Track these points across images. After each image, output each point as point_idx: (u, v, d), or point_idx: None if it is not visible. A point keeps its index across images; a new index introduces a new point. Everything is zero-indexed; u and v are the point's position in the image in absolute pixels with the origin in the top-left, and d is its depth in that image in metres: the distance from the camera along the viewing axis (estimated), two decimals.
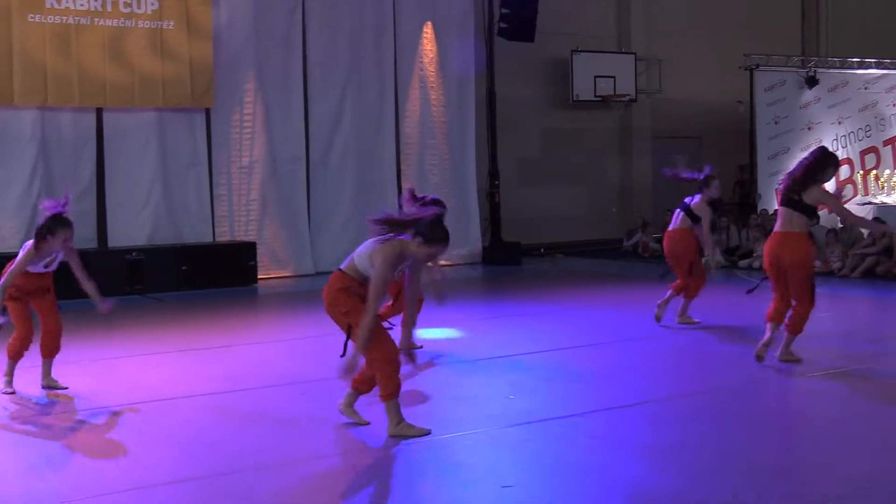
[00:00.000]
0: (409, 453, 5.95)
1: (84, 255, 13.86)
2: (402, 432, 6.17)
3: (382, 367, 6.13)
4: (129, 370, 8.79)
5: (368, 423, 6.42)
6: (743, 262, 16.18)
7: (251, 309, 13.50)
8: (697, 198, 10.19)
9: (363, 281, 6.12)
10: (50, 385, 7.90)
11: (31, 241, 7.54)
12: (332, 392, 7.42)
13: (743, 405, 6.98)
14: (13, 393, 7.74)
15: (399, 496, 5.27)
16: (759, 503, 4.88)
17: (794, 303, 8.11)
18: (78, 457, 6.12)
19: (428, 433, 6.21)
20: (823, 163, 8.08)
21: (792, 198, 8.01)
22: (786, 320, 8.13)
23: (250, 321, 11.99)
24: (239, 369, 8.67)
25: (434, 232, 6.06)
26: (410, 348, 8.02)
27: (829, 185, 9.43)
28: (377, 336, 6.06)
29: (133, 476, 5.60)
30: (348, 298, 6.17)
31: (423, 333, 9.78)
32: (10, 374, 7.84)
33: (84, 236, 14.73)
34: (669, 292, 10.37)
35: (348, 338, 6.21)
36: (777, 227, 8.13)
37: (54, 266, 7.85)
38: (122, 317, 12.25)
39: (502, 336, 10.09)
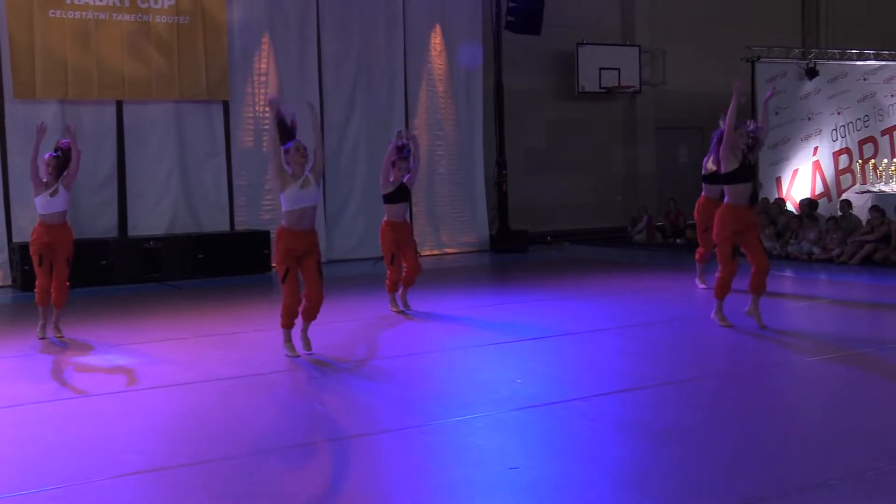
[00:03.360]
0: (419, 435, 6.11)
1: (104, 244, 14.55)
2: (286, 350, 8.52)
3: (282, 307, 8.41)
4: (146, 355, 8.96)
5: None
6: None
7: (264, 296, 13.62)
8: None
9: (287, 223, 8.36)
10: (57, 335, 9.83)
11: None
12: (341, 377, 7.74)
13: (743, 390, 7.11)
14: (44, 338, 9.79)
15: (410, 477, 5.37)
16: (756, 486, 4.99)
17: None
18: (93, 439, 6.21)
19: (297, 356, 8.43)
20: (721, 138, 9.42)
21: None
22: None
23: (263, 308, 11.95)
24: (251, 354, 8.82)
25: (285, 147, 8.34)
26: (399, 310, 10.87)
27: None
28: (288, 284, 8.28)
29: (148, 458, 5.74)
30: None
31: (430, 320, 10.27)
32: (55, 322, 9.89)
33: (105, 226, 15.17)
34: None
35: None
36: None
37: (61, 198, 9.76)
38: (139, 303, 12.57)
39: (509, 322, 10.25)
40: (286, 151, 8.34)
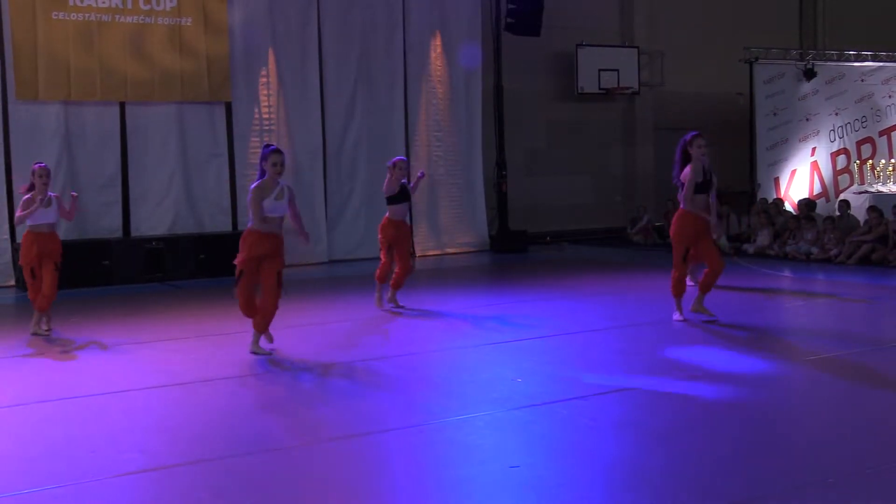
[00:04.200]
0: (420, 434, 6.17)
1: (108, 244, 14.70)
2: (255, 350, 8.77)
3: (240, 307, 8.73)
4: (148, 355, 9.05)
5: None
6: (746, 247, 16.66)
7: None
8: None
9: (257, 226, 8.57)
10: (36, 332, 10.03)
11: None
12: (342, 377, 7.82)
13: (739, 390, 7.16)
14: (49, 331, 10.10)
15: (411, 476, 5.41)
16: (754, 485, 5.04)
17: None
18: (96, 438, 6.26)
19: (270, 354, 8.69)
20: (683, 149, 9.73)
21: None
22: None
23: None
24: (251, 354, 8.82)
25: (264, 152, 8.63)
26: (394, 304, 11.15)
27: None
28: (242, 287, 8.57)
29: (151, 457, 5.79)
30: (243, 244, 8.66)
31: (430, 320, 10.37)
32: (36, 322, 10.11)
33: (108, 226, 15.26)
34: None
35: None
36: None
37: (53, 211, 10.02)
38: (141, 303, 12.62)
39: (508, 321, 10.31)
40: (264, 158, 8.64)
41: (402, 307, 11.24)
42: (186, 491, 5.25)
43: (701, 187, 9.75)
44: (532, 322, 10.29)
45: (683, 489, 5.05)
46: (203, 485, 5.33)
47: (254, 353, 8.77)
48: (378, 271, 11.27)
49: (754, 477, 5.18)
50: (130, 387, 7.70)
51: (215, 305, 12.35)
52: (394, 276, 11.23)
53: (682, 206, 9.87)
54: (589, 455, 5.74)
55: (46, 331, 10.12)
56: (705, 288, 10.02)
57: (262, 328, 8.80)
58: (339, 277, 14.80)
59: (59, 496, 5.17)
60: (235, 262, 8.66)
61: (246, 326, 10.40)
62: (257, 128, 16.45)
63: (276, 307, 8.70)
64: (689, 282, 12.14)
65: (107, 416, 6.88)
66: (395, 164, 11.23)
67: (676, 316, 10.00)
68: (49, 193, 10.02)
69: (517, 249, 18.25)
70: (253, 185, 8.66)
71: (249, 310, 8.74)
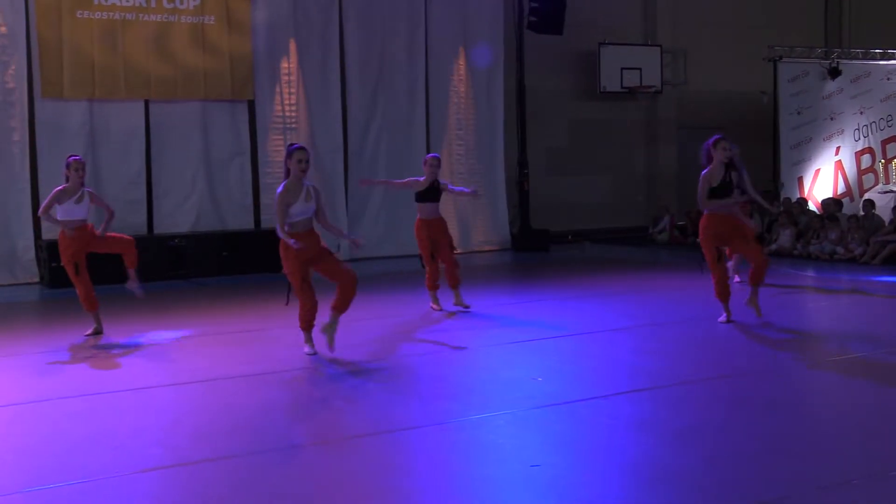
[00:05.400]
0: (441, 433, 6.18)
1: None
2: (306, 348, 8.66)
3: (300, 312, 8.63)
4: (171, 351, 9.11)
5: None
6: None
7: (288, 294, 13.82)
8: None
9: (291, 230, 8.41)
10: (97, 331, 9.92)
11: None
12: (363, 375, 7.82)
13: (762, 390, 7.14)
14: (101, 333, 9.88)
15: (432, 475, 5.44)
16: (775, 485, 5.04)
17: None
18: (118, 434, 6.30)
19: (315, 353, 8.57)
20: (708, 153, 9.62)
21: None
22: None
23: (287, 306, 12.30)
24: (275, 352, 8.91)
25: (289, 150, 8.48)
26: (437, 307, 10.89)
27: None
28: (303, 292, 8.50)
29: (173, 453, 5.85)
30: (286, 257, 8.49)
31: (452, 318, 10.37)
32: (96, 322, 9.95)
33: (132, 223, 15.32)
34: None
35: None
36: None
37: (84, 207, 9.79)
38: (164, 300, 12.62)
39: (530, 320, 10.33)
40: (289, 155, 8.45)
41: (467, 307, 11.09)
42: (208, 487, 5.27)
43: (717, 192, 9.60)
44: (553, 321, 10.29)
45: (703, 489, 5.05)
46: (225, 481, 5.35)
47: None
48: (427, 281, 11.08)
49: (775, 477, 5.17)
50: (153, 383, 7.76)
51: (238, 303, 12.42)
52: (446, 276, 11.01)
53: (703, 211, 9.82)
54: (609, 454, 5.74)
55: (88, 334, 9.86)
56: (754, 282, 9.92)
57: (343, 307, 8.67)
58: (360, 276, 14.80)
59: (82, 491, 5.21)
60: (285, 271, 8.55)
61: (265, 324, 10.53)
62: (280, 126, 16.50)
63: (356, 278, 8.71)
64: (736, 278, 12.03)
65: (129, 413, 6.92)
66: (425, 161, 11.08)
67: (722, 318, 9.84)
68: (85, 188, 9.86)
69: (539, 248, 18.23)
70: (280, 189, 8.42)
71: (314, 311, 8.61)
